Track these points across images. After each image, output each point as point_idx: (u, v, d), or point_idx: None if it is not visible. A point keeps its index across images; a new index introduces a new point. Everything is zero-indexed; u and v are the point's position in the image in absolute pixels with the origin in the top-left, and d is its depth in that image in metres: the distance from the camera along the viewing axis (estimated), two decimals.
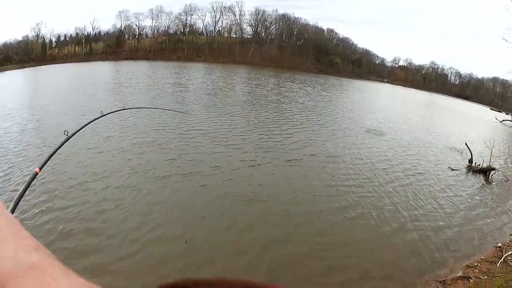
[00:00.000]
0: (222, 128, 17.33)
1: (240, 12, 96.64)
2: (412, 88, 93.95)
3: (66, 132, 3.73)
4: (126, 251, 6.96)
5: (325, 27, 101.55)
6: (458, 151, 18.59)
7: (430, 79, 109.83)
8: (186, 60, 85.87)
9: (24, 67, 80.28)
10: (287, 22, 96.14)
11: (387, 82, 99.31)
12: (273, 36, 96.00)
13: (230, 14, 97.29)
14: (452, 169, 14.98)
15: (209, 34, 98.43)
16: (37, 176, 3.02)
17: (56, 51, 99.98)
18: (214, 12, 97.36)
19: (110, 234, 7.47)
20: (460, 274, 7.06)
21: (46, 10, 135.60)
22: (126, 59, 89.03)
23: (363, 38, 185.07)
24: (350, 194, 10.51)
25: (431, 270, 7.21)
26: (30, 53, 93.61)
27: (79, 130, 4.27)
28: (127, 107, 11.97)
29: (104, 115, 5.63)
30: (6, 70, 75.03)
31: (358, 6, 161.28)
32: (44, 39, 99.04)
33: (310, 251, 7.50)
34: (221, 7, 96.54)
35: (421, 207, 10.36)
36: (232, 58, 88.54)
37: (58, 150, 3.62)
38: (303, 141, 16.27)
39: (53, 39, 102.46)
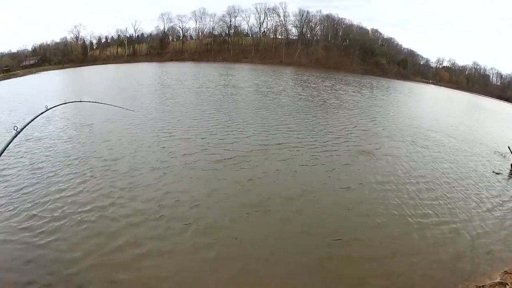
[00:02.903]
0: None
1: (284, 13, 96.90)
2: (456, 89, 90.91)
3: (15, 127, 3.90)
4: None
5: (369, 28, 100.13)
6: (502, 154, 18.11)
7: (473, 81, 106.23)
8: (233, 61, 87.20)
9: (64, 68, 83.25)
10: (331, 23, 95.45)
11: (432, 83, 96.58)
12: (318, 37, 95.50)
13: (275, 15, 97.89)
14: (496, 173, 14.72)
15: (254, 36, 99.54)
16: None
17: (98, 52, 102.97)
18: (258, 14, 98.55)
19: None
20: (498, 280, 7.11)
21: (85, 13, 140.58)
22: (171, 60, 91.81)
23: (407, 39, 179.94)
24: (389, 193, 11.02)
25: (471, 274, 7.31)
26: (69, 54, 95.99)
27: (26, 126, 4.53)
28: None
29: (48, 109, 5.94)
30: (45, 71, 78.43)
31: (399, 6, 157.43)
32: (84, 40, 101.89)
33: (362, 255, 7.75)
34: (265, 8, 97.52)
35: (462, 210, 10.37)
36: (279, 59, 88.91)
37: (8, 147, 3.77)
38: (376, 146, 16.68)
39: (94, 41, 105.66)
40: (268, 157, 13.67)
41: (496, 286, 6.82)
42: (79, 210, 9.06)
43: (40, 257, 7.16)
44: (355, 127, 20.19)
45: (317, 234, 8.30)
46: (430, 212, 9.89)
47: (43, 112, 5.73)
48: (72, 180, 10.99)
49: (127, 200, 9.63)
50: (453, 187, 12.23)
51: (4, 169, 11.91)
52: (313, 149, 15.09)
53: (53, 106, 6.61)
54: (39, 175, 11.46)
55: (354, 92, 41.20)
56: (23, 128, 4.18)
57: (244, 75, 53.96)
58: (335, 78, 57.96)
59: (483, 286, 6.82)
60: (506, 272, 7.33)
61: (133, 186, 10.72)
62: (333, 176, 12.12)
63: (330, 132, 18.68)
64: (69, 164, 12.42)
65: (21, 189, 10.40)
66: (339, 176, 12.10)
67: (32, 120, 5.11)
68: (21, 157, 13.13)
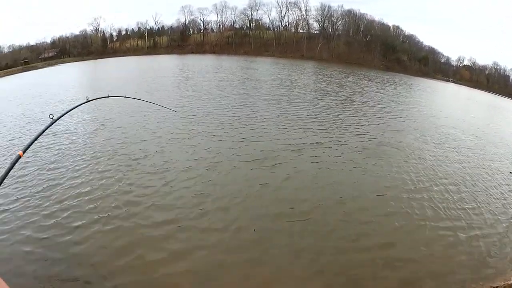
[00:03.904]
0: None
1: (306, 7, 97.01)
2: (476, 88, 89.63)
3: (51, 116, 3.84)
4: None
5: (390, 24, 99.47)
6: None
7: (493, 81, 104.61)
8: (254, 55, 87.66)
9: (84, 60, 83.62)
10: (353, 18, 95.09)
11: (452, 81, 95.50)
12: (340, 32, 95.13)
13: (296, 9, 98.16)
14: None
15: (276, 29, 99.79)
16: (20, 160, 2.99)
17: (118, 44, 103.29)
18: (280, 8, 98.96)
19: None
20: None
21: (104, 5, 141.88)
22: (192, 52, 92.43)
23: (428, 36, 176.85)
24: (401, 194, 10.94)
25: (486, 275, 7.39)
26: (89, 47, 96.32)
27: (64, 115, 4.52)
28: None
29: (89, 100, 5.84)
30: (64, 63, 79.98)
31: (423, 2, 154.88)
32: (104, 33, 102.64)
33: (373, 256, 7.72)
34: (287, 2, 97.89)
35: (481, 211, 10.40)
36: (300, 53, 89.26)
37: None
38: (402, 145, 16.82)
39: (114, 33, 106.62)
40: (299, 157, 13.49)
41: None
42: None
43: (71, 256, 7.25)
44: (384, 126, 20.38)
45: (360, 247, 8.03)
46: (447, 212, 10.00)
47: (83, 103, 5.66)
48: (93, 174, 11.17)
49: (150, 202, 9.48)
50: (476, 190, 12.15)
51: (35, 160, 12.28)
52: (343, 148, 15.06)
53: (95, 98, 6.44)
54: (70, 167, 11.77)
55: (377, 88, 41.41)
56: (60, 117, 4.20)
57: (267, 69, 54.51)
58: (357, 74, 57.96)
59: (497, 287, 6.98)
60: None
61: (156, 186, 10.52)
62: (366, 179, 11.97)
63: (358, 130, 18.55)
64: (90, 159, 12.59)
65: (54, 180, 10.69)
66: (370, 179, 11.96)
67: (71, 110, 5.02)
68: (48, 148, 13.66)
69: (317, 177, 11.66)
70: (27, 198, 9.51)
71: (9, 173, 2.76)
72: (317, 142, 15.59)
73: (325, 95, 30.48)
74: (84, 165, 11.91)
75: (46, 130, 3.83)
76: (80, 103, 5.49)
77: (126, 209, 8.96)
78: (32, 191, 9.96)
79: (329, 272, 7.05)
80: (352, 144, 15.87)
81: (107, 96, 7.70)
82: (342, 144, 15.64)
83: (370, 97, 32.54)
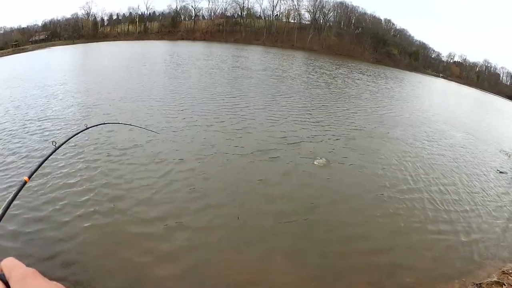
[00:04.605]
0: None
1: None
2: (465, 85, 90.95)
3: (54, 143, 3.84)
4: None
5: (382, 18, 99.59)
6: (507, 154, 18.36)
7: (483, 78, 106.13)
8: (244, 43, 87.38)
9: (74, 43, 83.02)
10: (345, 10, 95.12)
11: (442, 77, 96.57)
12: (331, 24, 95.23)
13: None
14: (500, 172, 14.72)
15: (267, 18, 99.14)
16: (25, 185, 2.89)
17: (109, 29, 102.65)
18: None
19: None
20: (495, 279, 7.25)
21: None
22: (182, 39, 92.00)
23: (419, 30, 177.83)
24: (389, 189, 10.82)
25: (469, 271, 7.43)
26: (80, 30, 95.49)
27: (66, 141, 4.57)
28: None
29: (89, 127, 5.72)
30: (54, 46, 77.60)
31: None
32: (95, 17, 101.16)
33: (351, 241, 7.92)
34: None
35: (464, 207, 10.42)
36: (290, 43, 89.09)
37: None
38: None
39: (105, 18, 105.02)
40: (293, 151, 13.12)
41: (493, 285, 7.02)
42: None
43: (58, 254, 6.93)
44: (378, 121, 20.02)
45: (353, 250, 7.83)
46: (430, 207, 10.01)
47: (83, 130, 5.58)
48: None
49: (140, 196, 9.02)
50: (460, 185, 12.20)
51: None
52: (339, 143, 14.75)
53: (92, 125, 6.30)
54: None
55: (369, 81, 41.38)
56: (62, 144, 4.26)
57: (258, 57, 54.05)
58: (348, 66, 57.92)
59: (480, 284, 7.03)
60: (503, 272, 7.56)
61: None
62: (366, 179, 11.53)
63: (353, 125, 18.18)
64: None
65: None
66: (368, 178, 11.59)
67: (72, 137, 5.07)
68: None
69: (313, 175, 11.25)
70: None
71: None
72: (312, 135, 15.24)
73: (318, 87, 30.17)
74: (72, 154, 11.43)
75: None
76: (80, 130, 5.34)
77: (114, 204, 8.49)
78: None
79: (324, 277, 6.81)
80: (346, 138, 15.59)
81: (103, 123, 7.42)
82: (336, 139, 15.25)
83: (362, 91, 32.37)
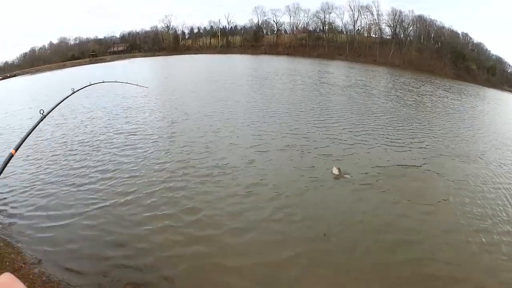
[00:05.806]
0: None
1: (378, 11, 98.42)
2: None
3: (41, 111, 3.75)
4: None
5: (459, 31, 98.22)
6: None
7: None
8: (327, 58, 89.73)
9: (155, 56, 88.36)
10: (423, 24, 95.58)
11: None
12: (411, 38, 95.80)
13: (368, 13, 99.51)
14: None
15: (348, 33, 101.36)
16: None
17: (190, 42, 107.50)
18: (352, 11, 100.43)
19: None
20: None
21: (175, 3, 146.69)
22: (265, 53, 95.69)
23: (495, 45, 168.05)
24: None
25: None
26: (161, 43, 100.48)
27: (53, 109, 4.44)
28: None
29: (75, 91, 5.85)
30: (135, 57, 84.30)
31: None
32: (175, 30, 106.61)
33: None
34: (358, 6, 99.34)
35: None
36: (372, 58, 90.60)
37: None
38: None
39: (186, 31, 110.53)
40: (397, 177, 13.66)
41: None
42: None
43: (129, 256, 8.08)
44: (469, 145, 19.98)
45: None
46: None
47: (70, 95, 5.66)
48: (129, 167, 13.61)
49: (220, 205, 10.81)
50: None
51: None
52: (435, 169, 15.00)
53: (78, 89, 6.55)
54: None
55: (454, 99, 41.92)
56: (49, 112, 4.04)
57: (343, 73, 57.43)
58: (432, 83, 58.34)
59: None
60: None
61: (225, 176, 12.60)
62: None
63: (452, 152, 17.96)
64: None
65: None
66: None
67: (59, 103, 4.96)
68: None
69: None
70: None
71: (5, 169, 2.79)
72: (404, 165, 15.36)
73: (406, 106, 31.09)
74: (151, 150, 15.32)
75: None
76: (67, 95, 5.65)
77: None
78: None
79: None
80: (445, 168, 15.53)
81: (89, 84, 8.55)
82: (435, 164, 15.71)
83: (450, 111, 32.27)
